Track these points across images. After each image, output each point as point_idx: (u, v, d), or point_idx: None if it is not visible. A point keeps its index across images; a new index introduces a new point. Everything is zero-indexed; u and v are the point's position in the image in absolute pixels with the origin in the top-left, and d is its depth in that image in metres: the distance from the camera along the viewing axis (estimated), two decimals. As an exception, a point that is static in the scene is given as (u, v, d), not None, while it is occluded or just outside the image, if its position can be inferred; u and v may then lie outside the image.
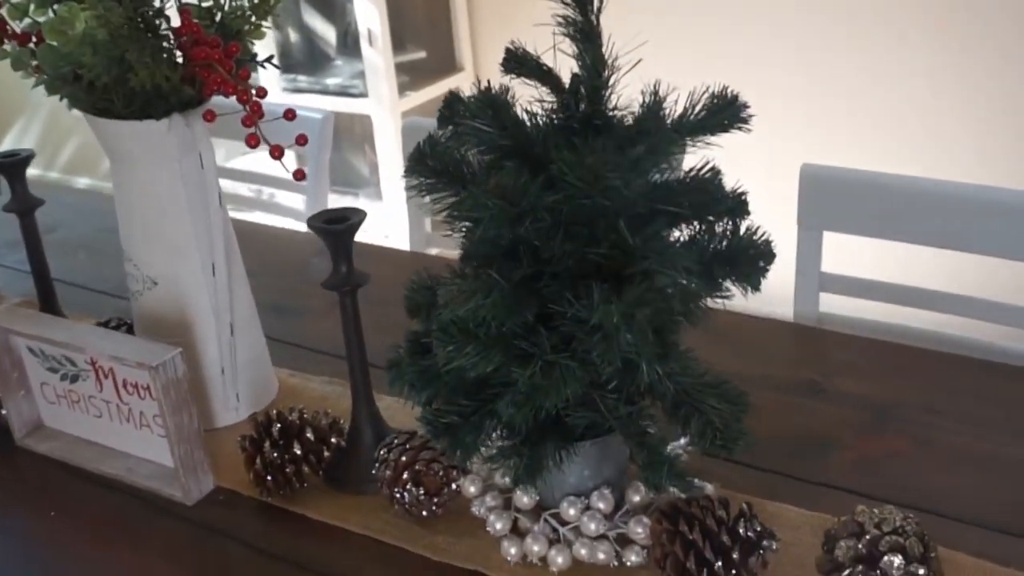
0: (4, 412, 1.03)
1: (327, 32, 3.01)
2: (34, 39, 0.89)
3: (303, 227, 1.74)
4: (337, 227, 0.86)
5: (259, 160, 2.82)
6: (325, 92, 2.87)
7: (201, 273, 0.98)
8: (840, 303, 1.28)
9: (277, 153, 0.81)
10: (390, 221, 2.83)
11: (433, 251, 1.68)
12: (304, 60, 3.01)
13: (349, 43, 2.94)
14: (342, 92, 2.86)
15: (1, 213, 1.18)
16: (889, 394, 1.03)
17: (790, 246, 1.28)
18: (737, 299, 1.05)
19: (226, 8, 0.93)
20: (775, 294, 1.44)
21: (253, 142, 0.80)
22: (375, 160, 2.94)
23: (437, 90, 2.86)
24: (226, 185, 2.01)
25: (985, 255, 1.18)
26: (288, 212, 1.86)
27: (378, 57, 2.73)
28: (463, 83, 2.85)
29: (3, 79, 1.29)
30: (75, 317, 1.20)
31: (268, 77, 2.95)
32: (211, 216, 0.96)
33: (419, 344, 0.82)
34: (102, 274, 1.42)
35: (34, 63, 0.90)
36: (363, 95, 2.81)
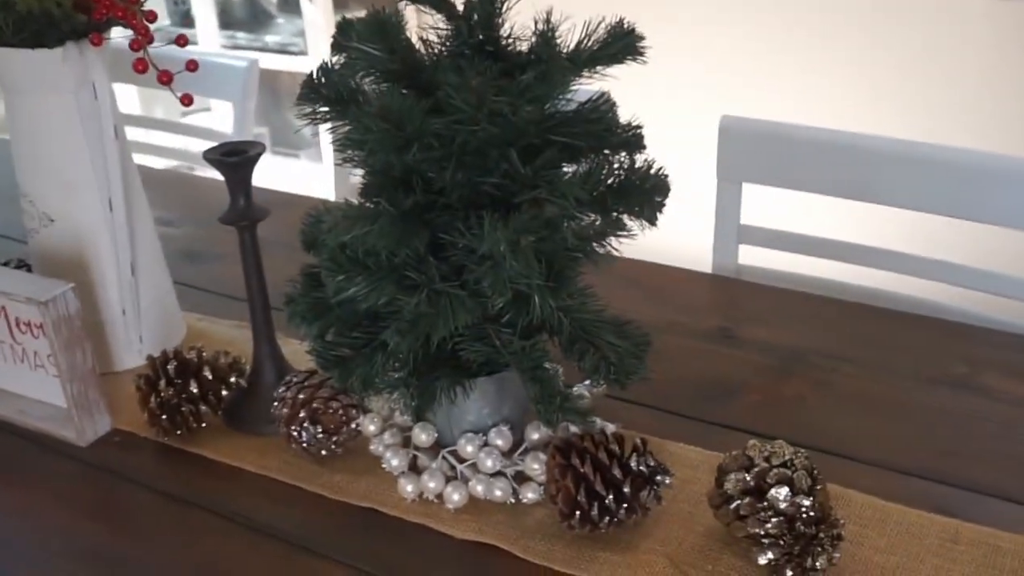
0: None
1: (268, -11, 2.96)
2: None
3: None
4: (233, 159, 0.83)
5: (191, 116, 2.77)
6: (265, 50, 2.83)
7: (99, 209, 0.95)
8: (759, 255, 1.28)
9: (166, 78, 0.79)
10: (331, 182, 2.80)
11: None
12: (245, 18, 2.96)
13: (291, 1, 2.89)
14: (282, 50, 2.82)
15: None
16: (797, 341, 1.03)
17: (710, 198, 1.28)
18: (655, 251, 1.05)
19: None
20: (695, 246, 1.44)
21: (140, 67, 0.78)
22: (315, 120, 2.90)
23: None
24: (152, 136, 1.99)
25: (900, 208, 1.19)
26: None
27: (319, 15, 2.69)
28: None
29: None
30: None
31: (207, 33, 2.90)
32: (106, 149, 0.93)
33: (314, 277, 0.81)
34: (7, 219, 1.38)
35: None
36: (303, 53, 2.77)
